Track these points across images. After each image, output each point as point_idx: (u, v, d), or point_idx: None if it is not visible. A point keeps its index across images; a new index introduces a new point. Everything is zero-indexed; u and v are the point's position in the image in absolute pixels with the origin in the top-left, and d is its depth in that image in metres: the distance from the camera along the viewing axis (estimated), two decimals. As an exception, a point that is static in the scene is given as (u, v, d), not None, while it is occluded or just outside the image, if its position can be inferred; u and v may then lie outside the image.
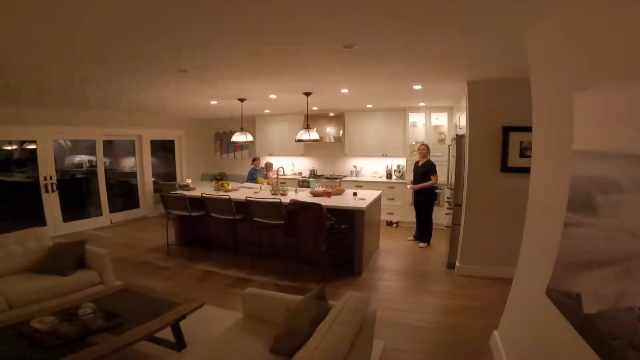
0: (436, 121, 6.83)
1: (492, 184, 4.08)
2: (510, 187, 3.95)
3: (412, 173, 5.73)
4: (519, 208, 4.05)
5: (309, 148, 8.05)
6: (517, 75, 3.76)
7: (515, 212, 3.90)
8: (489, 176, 4.08)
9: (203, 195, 5.06)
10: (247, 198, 4.65)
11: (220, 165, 9.30)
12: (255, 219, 4.65)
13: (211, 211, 5.02)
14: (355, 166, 7.64)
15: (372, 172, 7.56)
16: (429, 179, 5.41)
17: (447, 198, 5.48)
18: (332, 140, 7.35)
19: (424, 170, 5.45)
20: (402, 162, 7.13)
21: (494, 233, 4.20)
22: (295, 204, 4.23)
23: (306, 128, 5.35)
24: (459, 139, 4.37)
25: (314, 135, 5.31)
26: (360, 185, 7.10)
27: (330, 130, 7.39)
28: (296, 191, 5.56)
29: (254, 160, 7.21)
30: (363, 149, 7.39)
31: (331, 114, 7.52)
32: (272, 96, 5.53)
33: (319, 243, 4.07)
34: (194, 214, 5.06)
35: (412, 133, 6.95)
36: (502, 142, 3.94)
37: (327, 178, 7.46)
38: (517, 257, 2.73)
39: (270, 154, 8.30)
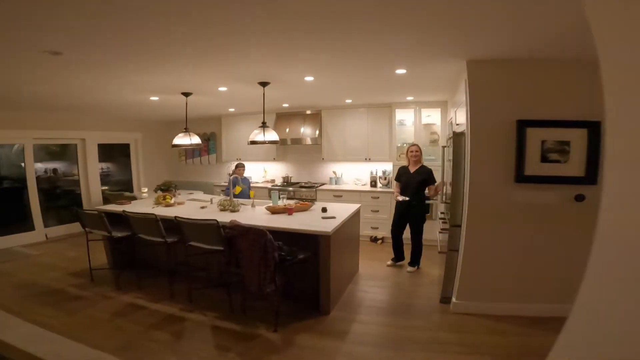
0: (427, 119, 5.74)
1: (502, 198, 2.99)
2: (529, 202, 2.87)
3: (399, 182, 4.60)
4: (542, 231, 2.98)
5: (282, 152, 6.93)
6: (539, 53, 2.69)
7: (535, 235, 3.02)
8: (498, 187, 2.99)
9: (125, 212, 3.91)
10: (177, 218, 3.51)
11: (184, 172, 8.15)
12: (192, 242, 3.52)
13: (138, 231, 3.88)
14: (334, 172, 6.53)
15: (354, 178, 6.44)
16: (423, 189, 4.39)
17: (442, 214, 4.38)
18: (310, 142, 6.23)
19: (422, 179, 4.36)
20: (388, 167, 6.03)
21: (505, 262, 3.12)
22: (233, 227, 3.10)
23: (261, 127, 4.21)
24: (456, 138, 3.27)
25: (270, 135, 4.18)
26: (340, 195, 5.99)
27: (305, 130, 6.27)
28: (253, 206, 4.43)
29: (237, 167, 5.76)
30: (343, 153, 6.28)
31: (308, 112, 6.42)
32: (222, 88, 4.41)
33: (265, 281, 2.94)
34: (116, 234, 3.92)
35: (399, 133, 5.85)
36: (517, 141, 2.85)
37: (302, 187, 6.33)
38: (537, 291, 1.62)
39: (238, 159, 7.15)
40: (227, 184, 6.81)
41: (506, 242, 3.10)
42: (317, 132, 6.19)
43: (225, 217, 3.70)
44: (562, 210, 2.91)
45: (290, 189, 6.31)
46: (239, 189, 5.43)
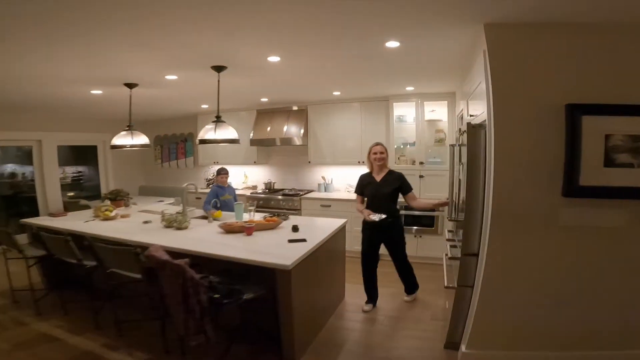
0: (432, 114, 4.75)
1: (543, 218, 2.02)
2: (584, 224, 1.88)
3: (361, 195, 3.47)
4: (599, 264, 1.98)
5: (265, 154, 5.99)
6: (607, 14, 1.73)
7: (586, 268, 2.02)
8: (537, 203, 2.02)
9: (38, 230, 3.02)
10: (89, 238, 2.60)
11: (161, 176, 7.26)
12: (112, 269, 2.61)
13: (52, 251, 3.00)
14: (323, 178, 5.56)
15: (345, 185, 5.47)
16: (396, 201, 3.39)
17: (449, 232, 3.38)
18: (296, 143, 5.27)
19: (394, 189, 3.32)
20: (385, 171, 5.04)
21: (539, 303, 2.16)
22: (149, 257, 2.16)
23: (214, 122, 3.28)
24: (472, 132, 2.27)
25: (226, 133, 3.26)
26: (328, 204, 5.02)
27: (289, 129, 5.32)
28: (210, 221, 3.49)
29: (219, 173, 4.51)
30: (332, 155, 5.32)
31: (295, 108, 5.47)
32: (170, 77, 3.50)
33: (188, 330, 2.00)
34: (30, 254, 3.06)
35: (399, 131, 4.88)
36: (568, 135, 1.87)
37: (285, 194, 5.37)
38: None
39: (216, 162, 6.23)
40: (205, 191, 5.91)
41: (544, 277, 2.13)
42: (302, 131, 5.23)
43: (165, 237, 2.78)
44: (632, 235, 1.92)
45: (272, 197, 5.36)
46: (228, 197, 4.40)
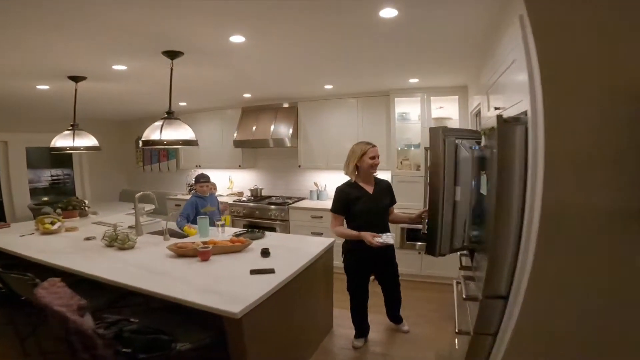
0: (440, 111, 4.05)
1: (617, 246, 1.29)
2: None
3: (345, 214, 2.64)
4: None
5: (251, 157, 5.33)
6: None
7: None
8: (610, 225, 1.29)
9: None
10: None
11: (144, 181, 6.64)
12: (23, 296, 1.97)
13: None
14: (316, 184, 4.88)
15: (341, 193, 4.78)
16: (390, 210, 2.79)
17: (464, 257, 2.67)
18: (288, 144, 4.60)
19: (389, 200, 2.74)
20: (385, 177, 4.32)
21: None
22: (36, 296, 1.50)
23: (163, 118, 2.66)
24: (504, 129, 1.54)
25: (177, 133, 2.63)
26: (319, 215, 4.34)
27: (277, 129, 4.66)
28: (166, 237, 2.83)
29: (197, 180, 3.72)
30: (325, 158, 4.64)
31: (286, 105, 4.81)
32: (118, 67, 2.87)
33: None
34: None
35: (401, 131, 4.18)
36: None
37: (271, 203, 4.70)
38: None
39: (198, 166, 5.59)
40: (184, 198, 5.27)
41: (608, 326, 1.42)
42: (291, 131, 4.57)
43: (90, 261, 2.13)
44: None
45: (258, 205, 4.70)
46: (210, 209, 3.63)
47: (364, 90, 4.22)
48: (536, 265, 1.43)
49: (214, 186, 4.14)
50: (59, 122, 5.88)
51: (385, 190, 2.69)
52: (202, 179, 3.73)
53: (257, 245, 2.67)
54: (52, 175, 6.38)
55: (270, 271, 2.10)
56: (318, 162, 4.67)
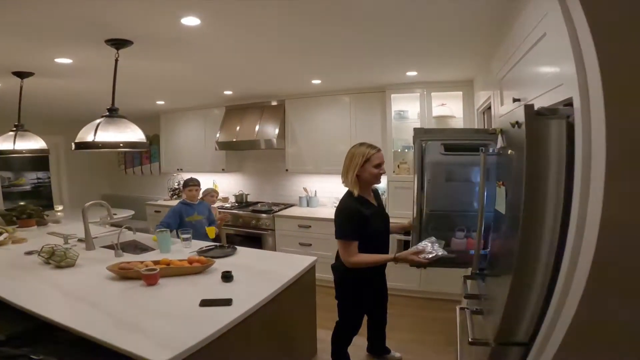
0: (441, 109, 3.59)
1: None
2: None
3: (365, 232, 2.00)
4: None
5: (236, 160, 4.87)
6: None
7: None
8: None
9: None
10: None
11: (126, 184, 6.20)
12: None
13: None
14: (305, 189, 4.42)
15: (333, 198, 4.31)
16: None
17: (469, 297, 2.19)
18: (275, 145, 4.15)
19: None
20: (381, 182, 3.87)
21: None
22: None
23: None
24: (535, 124, 1.08)
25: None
26: (307, 224, 3.87)
27: (263, 129, 4.20)
28: (118, 252, 2.37)
29: (186, 185, 3.27)
30: (315, 162, 4.18)
31: (274, 103, 4.35)
32: (63, 60, 2.43)
33: None
34: None
35: (398, 131, 3.72)
36: None
37: (255, 210, 4.23)
38: None
39: (180, 169, 5.15)
40: (168, 204, 4.83)
41: None
42: (277, 131, 4.11)
43: (29, 280, 1.69)
44: None
45: (241, 213, 4.23)
46: (197, 218, 3.16)
47: (357, 85, 3.77)
48: (583, 308, 0.97)
49: (215, 193, 3.66)
50: (37, 123, 5.46)
51: (379, 199, 2.23)
52: (192, 183, 3.24)
53: (223, 264, 2.22)
54: (38, 178, 5.95)
55: (226, 302, 1.64)
56: (307, 165, 4.21)
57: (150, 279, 1.86)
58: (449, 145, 2.17)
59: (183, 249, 2.60)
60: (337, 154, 3.98)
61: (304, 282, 2.26)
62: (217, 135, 4.43)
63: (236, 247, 2.58)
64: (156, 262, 2.11)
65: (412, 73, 3.25)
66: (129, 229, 2.83)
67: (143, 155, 5.83)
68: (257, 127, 4.21)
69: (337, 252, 2.06)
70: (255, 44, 2.30)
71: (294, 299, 2.15)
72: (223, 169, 4.71)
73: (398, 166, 3.66)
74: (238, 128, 4.32)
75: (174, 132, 5.14)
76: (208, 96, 4.22)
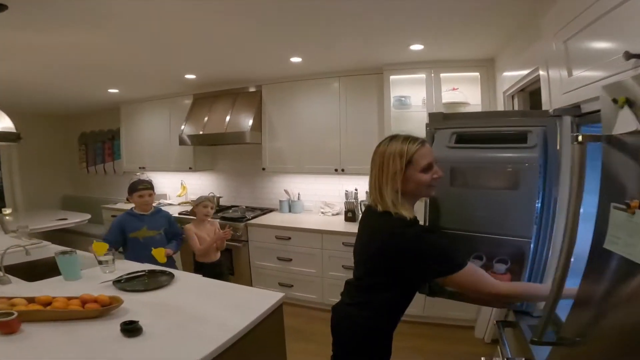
0: (453, 94, 2.82)
1: None
2: None
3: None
4: None
5: (205, 157, 4.06)
6: None
7: None
8: None
9: None
10: None
11: (88, 184, 5.38)
12: None
13: None
14: (287, 191, 3.65)
15: (319, 202, 3.55)
16: None
17: (495, 343, 1.43)
18: (249, 139, 3.36)
19: None
20: (377, 185, 3.11)
21: None
22: None
23: None
24: None
25: None
26: (287, 236, 3.09)
27: (234, 120, 3.42)
28: (3, 279, 1.58)
29: (133, 189, 2.40)
30: (297, 159, 3.39)
31: (252, 89, 3.56)
32: None
33: None
34: None
35: (399, 121, 2.94)
36: None
37: (225, 218, 3.44)
38: None
39: (142, 168, 4.35)
40: (122, 208, 4.04)
41: None
42: (251, 122, 3.33)
43: None
44: None
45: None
46: (146, 233, 2.36)
47: (348, 65, 3.00)
48: None
49: (210, 204, 2.62)
50: None
51: None
52: (141, 186, 2.40)
53: (145, 303, 1.45)
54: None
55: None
56: (288, 163, 3.43)
57: (8, 327, 1.11)
58: (469, 135, 1.47)
59: (101, 275, 1.83)
60: (325, 150, 3.22)
61: (265, 331, 1.49)
62: (182, 127, 3.65)
63: (174, 274, 1.80)
64: (30, 300, 1.36)
65: (417, 47, 2.49)
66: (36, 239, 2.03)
67: (105, 152, 5.03)
68: (227, 118, 3.43)
69: (350, 292, 1.28)
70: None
71: (251, 354, 1.39)
72: (190, 168, 3.91)
73: (398, 164, 2.90)
74: (206, 119, 3.54)
75: (136, 125, 4.34)
76: (168, 82, 3.44)
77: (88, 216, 4.26)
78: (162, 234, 2.44)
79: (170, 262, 2.42)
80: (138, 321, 1.25)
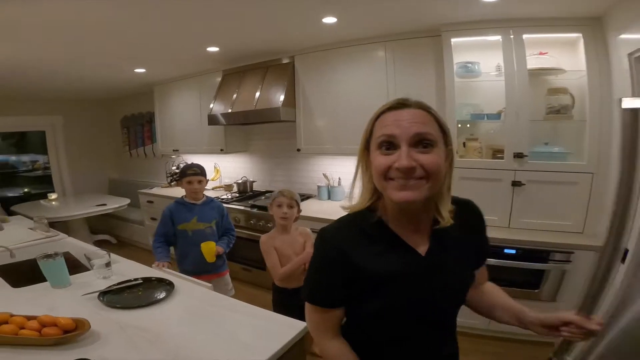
0: (540, 59, 2.07)
1: None
2: None
3: None
4: None
5: (237, 138, 3.62)
6: None
7: None
8: None
9: None
10: None
11: (131, 167, 5.25)
12: None
13: None
14: (325, 176, 3.13)
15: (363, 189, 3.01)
16: None
17: None
18: (281, 117, 2.84)
19: None
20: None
21: None
22: None
23: None
24: None
25: None
26: (323, 225, 2.59)
27: (264, 96, 2.93)
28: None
29: (183, 174, 2.02)
30: (335, 139, 2.81)
31: (285, 60, 3.01)
32: None
33: None
34: None
35: (463, 92, 2.24)
36: None
37: (254, 205, 3.00)
38: None
39: (176, 150, 4.05)
40: (166, 194, 3.81)
41: None
42: (282, 98, 2.82)
43: None
44: None
45: (240, 207, 3.04)
46: (196, 226, 1.99)
47: (395, 27, 2.34)
48: None
49: (288, 199, 1.78)
50: (32, 102, 4.62)
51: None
52: (190, 172, 2.00)
53: (132, 323, 1.05)
54: (45, 163, 5.18)
55: None
56: (325, 144, 2.88)
57: None
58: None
59: (95, 281, 1.46)
60: (360, 127, 2.64)
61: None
62: (211, 106, 3.24)
63: (172, 284, 1.38)
64: None
65: (492, -4, 1.81)
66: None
67: (145, 135, 4.82)
68: (257, 94, 2.94)
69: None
70: None
71: None
72: (222, 150, 3.52)
73: (464, 144, 2.24)
74: (235, 96, 3.08)
75: (169, 107, 4.00)
76: (192, 57, 3.00)
77: (127, 201, 4.08)
78: (213, 227, 2.04)
79: (220, 263, 2.05)
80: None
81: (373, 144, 0.73)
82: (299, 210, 1.82)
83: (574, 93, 2.03)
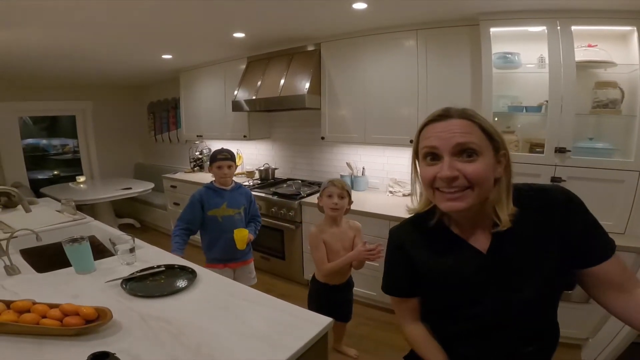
0: (588, 52, 1.87)
1: None
2: None
3: None
4: None
5: (261, 124, 3.53)
6: None
7: None
8: None
9: None
10: None
11: (156, 152, 5.26)
12: None
13: None
14: (349, 165, 3.01)
15: (388, 179, 2.86)
16: None
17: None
18: (306, 104, 2.69)
19: None
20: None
21: None
22: None
23: None
24: None
25: None
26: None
27: (289, 83, 2.81)
28: (11, 269, 1.20)
29: (214, 159, 1.91)
30: (361, 128, 2.67)
31: (311, 48, 2.88)
32: None
33: None
34: None
35: (500, 83, 2.05)
36: None
37: (278, 193, 2.93)
38: None
39: (199, 136, 4.00)
40: (191, 179, 3.79)
41: None
42: (307, 85, 2.69)
43: None
44: None
45: (262, 195, 2.97)
46: (226, 212, 1.92)
47: (429, 15, 2.16)
48: None
49: (338, 189, 1.66)
50: (62, 88, 4.64)
51: None
52: (221, 157, 1.91)
53: (154, 314, 0.98)
54: (74, 146, 5.25)
55: None
56: (350, 132, 2.76)
57: None
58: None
59: (119, 267, 1.40)
60: (397, 118, 2.46)
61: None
62: (235, 92, 3.15)
63: (194, 272, 1.31)
64: (8, 305, 0.96)
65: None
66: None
67: (170, 120, 4.80)
68: (282, 81, 2.83)
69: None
70: None
71: None
72: (245, 136, 3.44)
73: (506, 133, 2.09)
74: (259, 83, 2.98)
75: (194, 93, 3.94)
76: (218, 43, 2.89)
77: (151, 185, 4.08)
78: (242, 214, 1.96)
79: (247, 251, 1.99)
80: (114, 353, 0.77)
81: (420, 155, 0.75)
82: (350, 202, 1.69)
83: (623, 87, 1.83)
